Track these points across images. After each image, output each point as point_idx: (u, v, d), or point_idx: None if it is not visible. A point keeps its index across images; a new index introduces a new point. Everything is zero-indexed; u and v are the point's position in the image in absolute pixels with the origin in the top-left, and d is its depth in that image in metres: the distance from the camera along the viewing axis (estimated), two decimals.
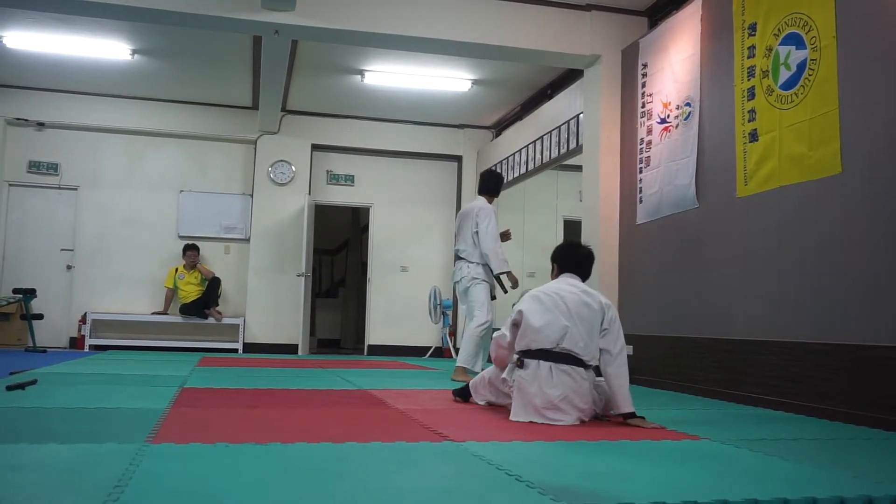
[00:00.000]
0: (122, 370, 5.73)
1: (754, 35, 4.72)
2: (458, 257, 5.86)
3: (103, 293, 9.39)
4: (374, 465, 2.29)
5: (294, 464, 2.27)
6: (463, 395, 4.13)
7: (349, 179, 10.24)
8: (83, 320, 9.13)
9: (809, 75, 4.21)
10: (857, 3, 3.97)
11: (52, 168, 9.38)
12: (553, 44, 6.52)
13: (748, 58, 4.77)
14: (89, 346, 9.02)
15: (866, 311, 3.75)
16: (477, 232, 5.63)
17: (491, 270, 5.64)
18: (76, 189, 9.45)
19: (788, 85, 4.37)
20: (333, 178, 10.19)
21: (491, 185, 5.93)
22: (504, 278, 5.62)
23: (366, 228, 10.91)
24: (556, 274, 3.74)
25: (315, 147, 10.01)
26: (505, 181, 9.04)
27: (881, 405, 3.56)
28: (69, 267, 9.39)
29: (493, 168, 9.28)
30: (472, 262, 5.66)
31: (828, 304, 4.00)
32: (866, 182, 3.81)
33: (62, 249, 9.39)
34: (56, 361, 6.53)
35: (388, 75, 8.23)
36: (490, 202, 5.77)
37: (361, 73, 8.23)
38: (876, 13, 3.84)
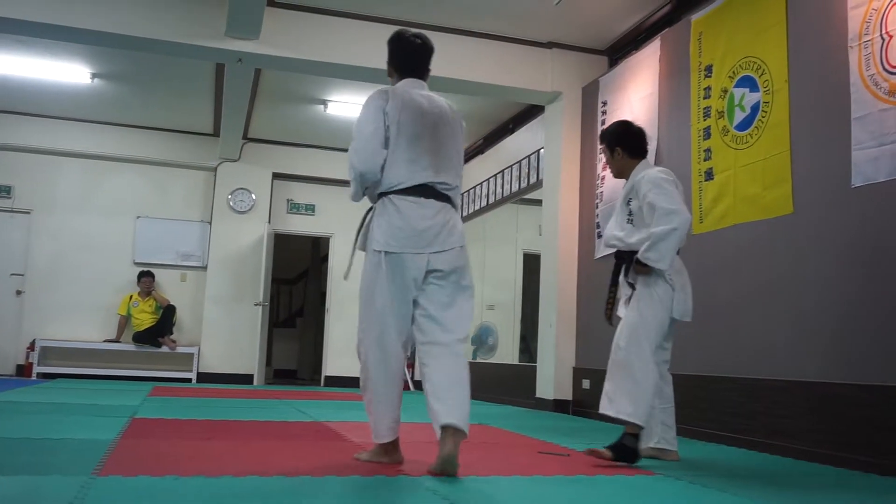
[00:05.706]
0: (70, 399, 5.58)
1: (710, 76, 4.84)
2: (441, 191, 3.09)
3: (54, 319, 9.16)
4: (328, 501, 2.25)
5: (245, 498, 2.22)
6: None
7: (310, 209, 10.20)
8: (31, 347, 8.89)
9: (763, 117, 4.33)
10: (807, 49, 4.10)
11: (5, 191, 9.19)
12: (515, 79, 6.62)
13: (704, 98, 4.88)
14: (37, 373, 8.78)
15: (818, 348, 3.82)
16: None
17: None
18: (29, 213, 9.26)
19: (743, 126, 4.48)
20: (294, 208, 10.15)
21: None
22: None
23: (325, 258, 10.85)
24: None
25: (276, 175, 9.98)
26: (465, 210, 9.19)
27: (834, 442, 3.62)
28: (19, 292, 9.15)
29: None
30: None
31: (780, 342, 4.07)
32: (816, 222, 3.91)
33: (12, 274, 9.17)
34: (1, 390, 6.34)
35: (351, 105, 8.26)
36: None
37: (325, 102, 8.25)
38: (824, 59, 3.97)
